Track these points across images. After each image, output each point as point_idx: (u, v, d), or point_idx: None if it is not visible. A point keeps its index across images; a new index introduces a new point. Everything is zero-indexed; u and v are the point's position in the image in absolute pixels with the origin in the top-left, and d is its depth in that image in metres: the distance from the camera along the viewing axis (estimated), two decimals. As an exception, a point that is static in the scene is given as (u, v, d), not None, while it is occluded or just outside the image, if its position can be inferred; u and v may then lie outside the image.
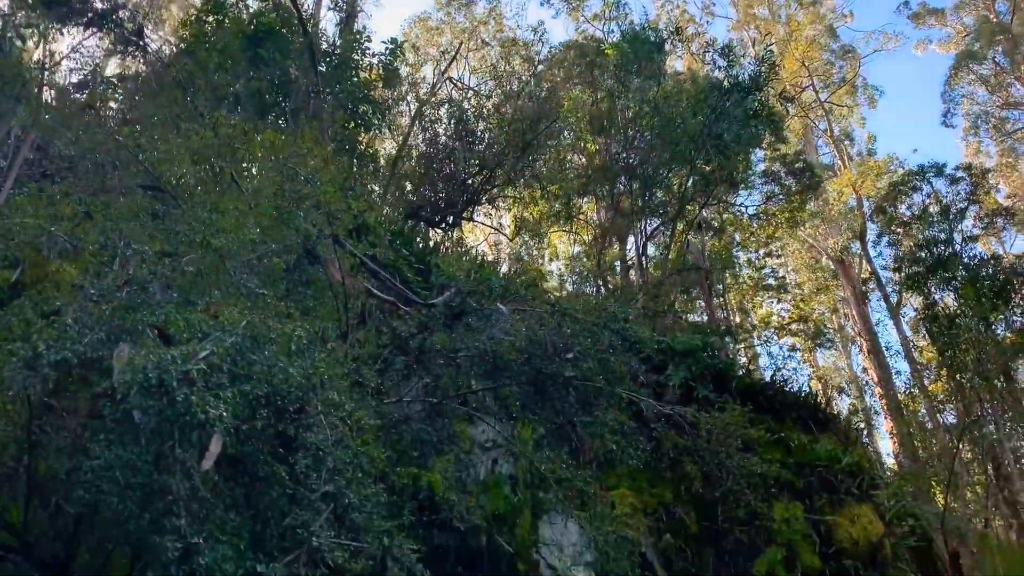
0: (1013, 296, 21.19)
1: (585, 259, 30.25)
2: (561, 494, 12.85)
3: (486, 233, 32.87)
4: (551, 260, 32.99)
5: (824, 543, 15.79)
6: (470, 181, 23.97)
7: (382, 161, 24.96)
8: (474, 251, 24.35)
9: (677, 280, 25.58)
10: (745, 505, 13.25)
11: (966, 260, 22.80)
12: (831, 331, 36.31)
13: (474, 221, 28.23)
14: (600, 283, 27.62)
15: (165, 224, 9.23)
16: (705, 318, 26.78)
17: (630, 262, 28.05)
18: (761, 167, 29.42)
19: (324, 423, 6.84)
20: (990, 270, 21.56)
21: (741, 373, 19.67)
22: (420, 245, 17.93)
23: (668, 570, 14.58)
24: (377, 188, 23.00)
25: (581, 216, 29.32)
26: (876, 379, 31.29)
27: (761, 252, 33.85)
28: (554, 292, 25.36)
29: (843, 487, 16.82)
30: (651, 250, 27.86)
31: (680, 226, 26.51)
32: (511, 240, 30.74)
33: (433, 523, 10.73)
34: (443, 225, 24.33)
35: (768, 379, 20.53)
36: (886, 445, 30.90)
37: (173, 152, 9.59)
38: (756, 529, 15.04)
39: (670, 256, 26.50)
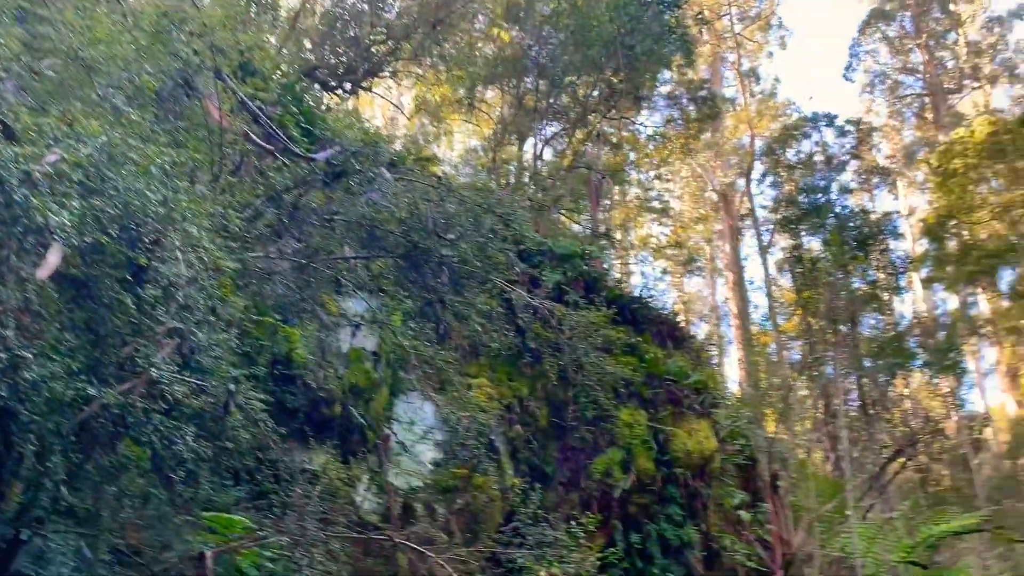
0: (872, 250, 22.41)
1: (481, 153, 29.83)
2: (421, 373, 12.99)
3: (384, 108, 31.78)
4: (447, 149, 32.32)
5: (661, 451, 16.80)
6: (374, 49, 22.93)
7: (283, 12, 23.43)
8: (368, 123, 23.51)
9: (568, 180, 25.67)
10: (594, 403, 13.77)
11: (837, 210, 23.84)
12: (702, 260, 37.70)
13: (372, 93, 27.12)
14: (493, 179, 27.37)
15: (28, 24, 8.38)
16: (589, 229, 27.15)
17: (526, 164, 27.90)
18: (666, 89, 29.56)
19: (180, 259, 6.52)
20: (857, 222, 22.63)
21: (611, 285, 20.21)
22: (311, 105, 17.12)
23: (513, 459, 15.16)
24: (273, 40, 21.62)
25: (483, 108, 28.71)
26: (735, 310, 32.92)
27: (652, 174, 34.40)
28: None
29: (686, 402, 17.83)
30: (548, 155, 27.78)
31: (579, 135, 26.48)
32: (408, 119, 29.87)
33: (288, 379, 10.61)
34: (339, 91, 23.29)
35: (636, 295, 21.19)
36: (734, 372, 32.80)
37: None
38: (600, 431, 15.81)
39: (565, 163, 26.49)
